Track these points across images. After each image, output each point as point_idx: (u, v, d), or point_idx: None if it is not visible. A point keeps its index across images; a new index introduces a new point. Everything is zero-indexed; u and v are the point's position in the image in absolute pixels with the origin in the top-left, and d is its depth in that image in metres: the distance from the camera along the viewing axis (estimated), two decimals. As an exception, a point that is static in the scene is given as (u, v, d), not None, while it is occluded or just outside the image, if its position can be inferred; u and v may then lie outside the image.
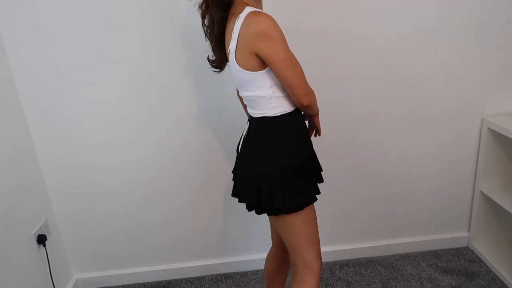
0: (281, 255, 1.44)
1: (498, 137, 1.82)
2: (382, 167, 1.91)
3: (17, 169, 1.61)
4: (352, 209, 1.97)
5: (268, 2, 1.30)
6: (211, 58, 1.29)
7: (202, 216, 1.92)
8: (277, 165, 1.16)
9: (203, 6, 1.19)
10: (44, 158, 1.76)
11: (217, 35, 1.19)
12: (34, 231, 1.68)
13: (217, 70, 1.30)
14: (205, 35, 1.23)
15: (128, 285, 2.00)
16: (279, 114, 1.17)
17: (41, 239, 1.69)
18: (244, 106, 1.34)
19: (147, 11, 1.58)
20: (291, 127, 1.20)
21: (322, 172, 1.30)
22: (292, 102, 1.18)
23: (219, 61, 1.26)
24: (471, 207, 2.02)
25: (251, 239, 1.97)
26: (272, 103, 1.16)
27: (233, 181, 1.30)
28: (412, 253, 2.06)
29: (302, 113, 1.25)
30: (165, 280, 2.01)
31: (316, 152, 1.29)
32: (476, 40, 1.72)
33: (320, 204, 1.27)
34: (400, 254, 2.06)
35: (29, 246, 1.65)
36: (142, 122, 1.74)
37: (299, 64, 1.12)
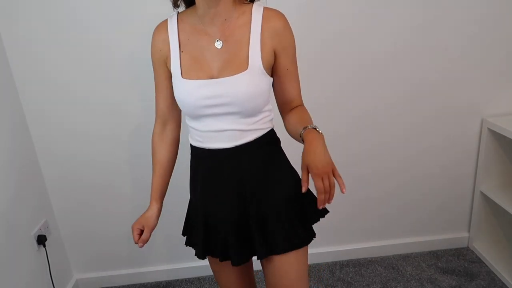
0: None
1: (498, 137, 1.82)
2: (381, 168, 1.91)
3: (16, 169, 1.61)
4: (352, 210, 1.97)
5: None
6: None
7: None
8: (296, 179, 1.07)
9: None
10: (44, 158, 1.76)
11: None
12: (34, 232, 1.67)
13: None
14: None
15: (128, 285, 2.00)
16: (271, 128, 1.07)
17: (41, 240, 1.69)
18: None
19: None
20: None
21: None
22: None
23: None
24: (471, 207, 2.02)
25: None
26: (270, 115, 1.06)
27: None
28: (412, 253, 2.06)
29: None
30: (165, 281, 2.01)
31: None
32: (476, 40, 1.72)
33: (320, 205, 1.27)
34: (400, 255, 2.06)
35: (29, 247, 1.65)
36: (146, 122, 1.74)
37: None
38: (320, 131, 0.92)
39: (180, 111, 1.11)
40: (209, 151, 1.03)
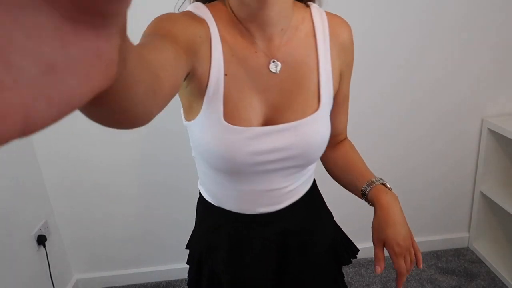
0: None
1: (498, 137, 1.82)
2: (381, 168, 1.91)
3: (16, 169, 1.61)
4: (352, 209, 1.97)
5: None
6: None
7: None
8: (334, 223, 0.99)
9: None
10: (44, 158, 1.76)
11: None
12: (34, 232, 1.67)
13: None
14: None
15: (128, 285, 2.00)
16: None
17: (41, 240, 1.69)
18: None
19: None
20: None
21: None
22: None
23: None
24: (471, 207, 2.02)
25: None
26: None
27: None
28: (412, 253, 2.06)
29: None
30: (165, 281, 2.01)
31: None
32: (474, 40, 1.72)
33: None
34: (400, 255, 2.06)
35: (29, 247, 1.64)
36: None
37: None
38: (389, 186, 0.74)
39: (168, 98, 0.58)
40: (240, 215, 0.76)
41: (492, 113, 1.84)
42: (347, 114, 0.83)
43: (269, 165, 0.69)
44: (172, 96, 0.46)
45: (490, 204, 1.95)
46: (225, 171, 0.70)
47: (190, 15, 0.63)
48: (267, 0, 0.60)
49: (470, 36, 1.71)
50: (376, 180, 0.74)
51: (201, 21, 0.63)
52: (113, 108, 0.30)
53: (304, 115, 0.68)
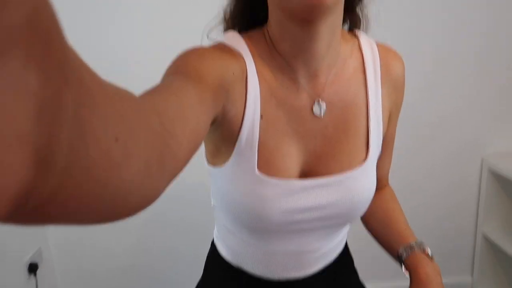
0: None
1: (498, 178, 1.81)
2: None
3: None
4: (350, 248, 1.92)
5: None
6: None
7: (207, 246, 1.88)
8: None
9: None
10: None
11: None
12: (26, 259, 1.64)
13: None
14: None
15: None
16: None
17: (33, 268, 1.65)
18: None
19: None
20: None
21: None
22: None
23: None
24: (473, 250, 1.98)
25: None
26: None
27: None
28: (413, 297, 1.99)
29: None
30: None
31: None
32: (475, 79, 1.75)
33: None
34: (401, 298, 1.99)
35: (19, 275, 1.60)
36: None
37: None
38: (430, 253, 0.65)
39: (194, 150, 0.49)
40: (262, 281, 0.65)
41: (492, 152, 1.83)
42: (391, 158, 0.75)
43: (305, 224, 0.59)
44: (193, 154, 0.36)
45: (493, 247, 1.90)
46: (253, 228, 0.60)
47: (222, 47, 0.55)
48: (317, 30, 0.50)
49: (471, 75, 1.74)
50: (415, 244, 0.65)
51: (235, 54, 0.54)
52: (76, 210, 0.18)
53: (350, 166, 0.58)
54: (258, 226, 0.58)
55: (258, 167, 0.55)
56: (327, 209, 0.58)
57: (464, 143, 1.83)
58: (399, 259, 0.66)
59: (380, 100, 0.60)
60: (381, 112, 0.60)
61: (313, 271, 0.66)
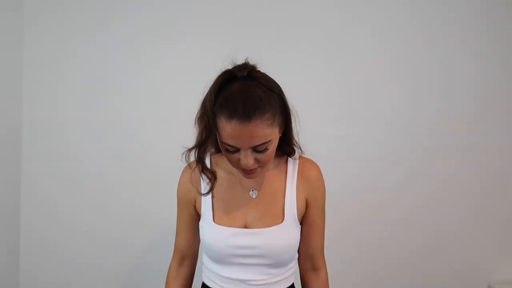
0: None
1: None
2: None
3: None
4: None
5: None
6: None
7: None
8: None
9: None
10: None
11: None
12: None
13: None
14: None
15: None
16: (292, 282, 1.05)
17: None
18: None
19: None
20: None
21: None
22: None
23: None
24: None
25: None
26: (294, 266, 1.04)
27: None
28: None
29: None
30: None
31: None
32: (479, 204, 1.75)
33: None
34: None
35: None
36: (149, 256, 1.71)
37: None
38: None
39: (198, 247, 1.09)
40: None
41: (498, 279, 1.77)
42: (321, 240, 1.03)
43: (244, 259, 0.95)
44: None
45: None
46: (215, 259, 0.98)
47: (185, 174, 1.04)
48: (252, 178, 0.96)
49: (475, 200, 1.75)
50: None
51: (192, 172, 1.01)
52: None
53: (271, 225, 0.95)
54: (217, 258, 0.97)
55: (213, 220, 0.97)
56: (254, 249, 0.94)
57: (470, 270, 1.77)
58: None
59: (295, 189, 0.98)
60: (295, 196, 0.97)
61: None
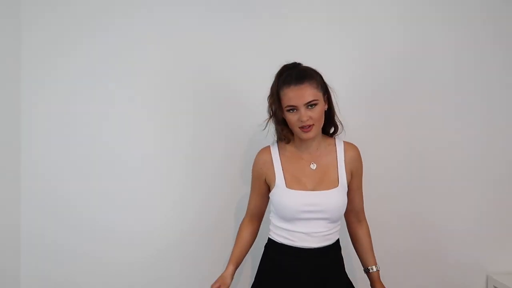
0: None
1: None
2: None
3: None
4: None
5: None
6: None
7: None
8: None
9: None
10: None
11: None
12: None
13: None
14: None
15: None
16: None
17: None
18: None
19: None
20: None
21: None
22: None
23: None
24: None
25: None
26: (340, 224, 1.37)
27: None
28: None
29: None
30: None
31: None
32: (477, 197, 1.79)
33: None
34: None
35: None
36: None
37: None
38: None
39: (265, 210, 1.44)
40: (297, 249, 1.29)
41: (497, 270, 1.80)
42: (362, 200, 1.42)
43: (310, 214, 1.27)
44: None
45: None
46: (286, 217, 1.29)
47: (260, 156, 1.38)
48: (307, 144, 1.33)
49: (474, 192, 1.78)
50: (376, 268, 1.42)
51: (265, 154, 1.36)
52: None
53: (328, 188, 1.29)
54: (289, 215, 1.28)
55: (286, 186, 1.30)
56: (317, 206, 1.26)
57: (469, 261, 1.79)
58: (366, 270, 1.43)
59: (343, 163, 1.33)
60: (344, 168, 1.33)
61: (326, 244, 1.31)
